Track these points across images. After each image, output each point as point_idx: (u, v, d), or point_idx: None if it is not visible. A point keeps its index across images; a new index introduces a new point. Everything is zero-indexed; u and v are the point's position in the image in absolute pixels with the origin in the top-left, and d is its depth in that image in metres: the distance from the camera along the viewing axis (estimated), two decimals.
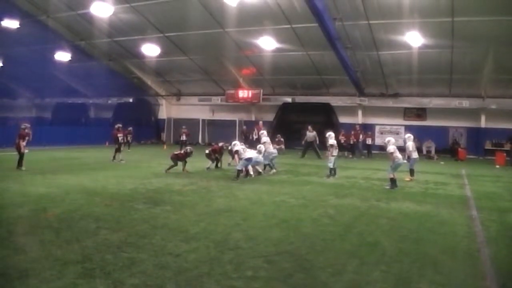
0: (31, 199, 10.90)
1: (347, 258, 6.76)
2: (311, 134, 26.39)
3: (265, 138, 19.06)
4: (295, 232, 8.29)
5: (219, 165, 19.18)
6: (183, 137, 27.83)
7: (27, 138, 17.27)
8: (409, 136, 17.77)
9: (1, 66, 40.12)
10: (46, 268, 6.00)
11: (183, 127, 27.30)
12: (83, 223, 8.53)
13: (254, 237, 7.75)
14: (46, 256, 6.48)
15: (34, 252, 6.67)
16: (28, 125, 17.83)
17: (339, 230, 8.57)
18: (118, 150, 21.36)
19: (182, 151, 18.19)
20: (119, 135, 21.64)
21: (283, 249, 7.10)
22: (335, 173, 16.88)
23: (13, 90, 46.71)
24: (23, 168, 16.69)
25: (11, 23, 27.96)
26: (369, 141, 29.11)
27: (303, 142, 27.07)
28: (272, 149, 18.59)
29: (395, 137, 31.67)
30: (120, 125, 22.41)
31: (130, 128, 28.26)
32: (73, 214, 9.32)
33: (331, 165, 16.77)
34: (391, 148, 15.00)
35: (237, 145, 17.04)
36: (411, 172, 16.97)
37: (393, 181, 14.40)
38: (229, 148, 18.30)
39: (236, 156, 16.91)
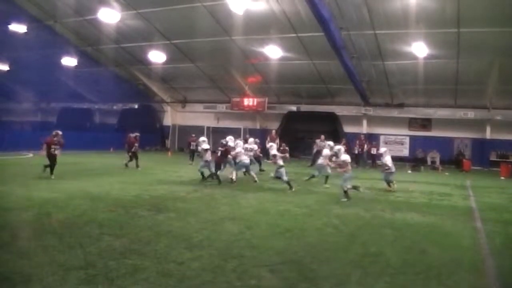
0: (35, 204, 10.91)
1: (351, 268, 6.74)
2: (322, 143, 26.39)
3: (239, 148, 17.93)
4: (299, 241, 8.27)
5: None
6: (193, 145, 26.47)
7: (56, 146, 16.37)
8: (386, 150, 16.88)
9: (8, 70, 40.33)
10: (49, 273, 6.01)
11: (193, 135, 26.88)
12: (86, 229, 8.52)
13: (258, 246, 7.73)
14: (50, 261, 6.49)
15: (38, 257, 6.69)
16: (60, 133, 16.89)
17: (343, 240, 8.55)
18: (136, 157, 21.51)
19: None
20: (136, 144, 21.86)
21: (287, 258, 7.08)
22: (290, 187, 15.28)
23: (19, 94, 46.92)
24: (53, 177, 16.07)
25: (19, 28, 28.13)
26: (373, 151, 29.03)
27: (314, 151, 26.97)
28: (244, 158, 17.51)
29: (400, 148, 32.27)
30: (138, 134, 22.69)
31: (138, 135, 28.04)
32: (77, 220, 9.33)
33: (285, 178, 15.51)
34: (388, 159, 15.01)
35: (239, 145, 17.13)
36: (388, 183, 16.38)
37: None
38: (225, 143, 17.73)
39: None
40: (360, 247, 8.02)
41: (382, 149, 16.17)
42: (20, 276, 5.89)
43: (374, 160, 28.81)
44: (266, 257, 7.09)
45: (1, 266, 6.21)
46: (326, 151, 17.83)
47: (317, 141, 26.47)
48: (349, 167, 14.14)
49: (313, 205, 12.34)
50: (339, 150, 14.93)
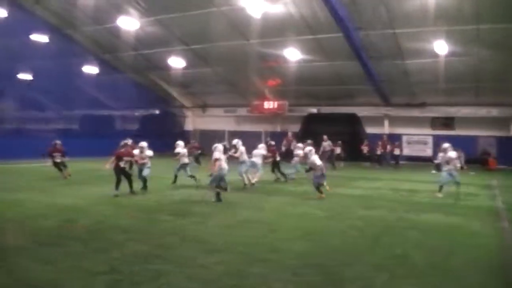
0: (59, 210, 11.05)
1: (376, 271, 6.65)
2: (325, 143, 26.32)
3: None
4: (322, 244, 8.19)
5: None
6: (194, 151, 26.17)
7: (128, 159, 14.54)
8: (311, 149, 14.71)
9: (31, 80, 40.99)
10: (75, 279, 6.07)
11: (192, 141, 26.65)
12: (110, 234, 8.60)
13: (281, 249, 7.68)
14: (75, 267, 6.56)
15: (63, 263, 6.76)
16: (130, 141, 16.43)
17: (367, 242, 8.45)
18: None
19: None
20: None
21: (311, 262, 7.01)
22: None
23: (41, 103, 47.59)
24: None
25: (40, 38, 28.67)
26: (396, 151, 28.78)
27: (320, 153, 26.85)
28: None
29: (423, 148, 31.89)
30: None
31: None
32: (100, 225, 9.41)
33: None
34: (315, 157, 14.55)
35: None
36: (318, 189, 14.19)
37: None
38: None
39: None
40: (385, 250, 7.91)
41: (307, 148, 14.81)
42: (46, 282, 5.96)
43: (397, 161, 28.55)
44: (290, 261, 7.03)
45: (27, 272, 6.29)
46: (298, 152, 18.51)
47: (323, 143, 26.42)
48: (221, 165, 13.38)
49: (335, 208, 12.22)
50: (310, 151, 14.46)
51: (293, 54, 26.20)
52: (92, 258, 7.02)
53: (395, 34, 23.24)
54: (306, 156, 14.72)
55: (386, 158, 28.60)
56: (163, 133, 37.16)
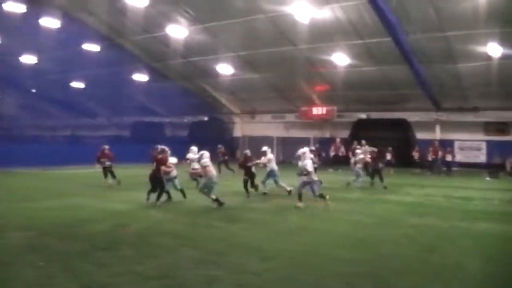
0: (110, 215, 11.35)
1: (430, 281, 6.50)
2: (364, 148, 26.02)
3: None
4: (373, 252, 8.05)
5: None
6: (220, 156, 25.38)
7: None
8: (305, 152, 13.61)
9: (83, 88, 42.38)
10: (127, 283, 6.20)
11: (219, 146, 26.12)
12: (161, 239, 8.75)
13: (331, 257, 7.62)
14: (127, 271, 6.69)
15: (116, 267, 6.91)
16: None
17: (419, 251, 8.25)
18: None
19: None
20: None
21: (362, 270, 6.91)
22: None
23: (93, 110, 49.15)
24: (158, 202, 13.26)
25: (92, 47, 29.66)
26: (448, 157, 28.03)
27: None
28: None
29: (476, 154, 30.95)
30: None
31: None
32: (151, 230, 9.60)
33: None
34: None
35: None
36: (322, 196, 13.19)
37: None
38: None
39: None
40: (438, 259, 7.70)
41: (301, 150, 13.73)
42: (100, 285, 6.10)
43: (449, 167, 27.83)
44: (341, 269, 6.96)
45: (82, 275, 6.47)
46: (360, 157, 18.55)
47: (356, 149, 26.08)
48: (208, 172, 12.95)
49: (385, 215, 12.01)
50: (303, 153, 13.39)
51: (341, 59, 26.04)
52: (144, 262, 7.16)
53: (446, 37, 22.72)
54: (300, 157, 13.42)
55: (438, 165, 27.90)
56: (212, 139, 37.58)
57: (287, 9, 21.96)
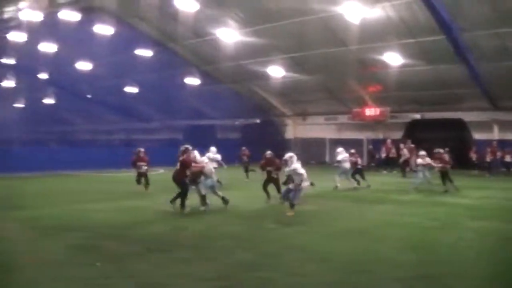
0: (164, 217, 11.61)
1: (491, 285, 6.28)
2: (407, 146, 25.54)
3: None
4: (430, 255, 7.87)
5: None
6: (244, 158, 24.71)
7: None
8: (292, 156, 12.79)
9: (137, 92, 43.43)
10: (184, 284, 6.30)
11: (243, 148, 25.58)
12: (218, 241, 8.87)
13: (387, 260, 7.50)
14: (183, 272, 6.79)
15: (174, 268, 7.03)
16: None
17: (479, 254, 8.00)
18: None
19: None
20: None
21: (419, 273, 6.77)
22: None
23: (147, 114, 50.26)
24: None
25: (144, 52, 30.40)
26: (508, 158, 27.04)
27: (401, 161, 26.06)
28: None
29: None
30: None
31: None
32: (207, 232, 9.74)
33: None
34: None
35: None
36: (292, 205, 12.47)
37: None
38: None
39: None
40: (500, 263, 7.46)
41: (288, 155, 12.97)
42: (156, 286, 6.24)
43: (509, 168, 26.87)
44: (397, 272, 6.83)
45: (140, 276, 6.62)
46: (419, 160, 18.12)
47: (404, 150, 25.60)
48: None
49: (443, 218, 11.70)
50: (290, 157, 12.49)
51: (394, 59, 25.58)
52: (200, 264, 7.26)
53: (502, 33, 21.95)
54: (286, 162, 12.49)
55: (496, 165, 26.97)
56: (264, 141, 37.67)
57: (338, 9, 21.80)
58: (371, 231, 9.98)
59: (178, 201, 12.41)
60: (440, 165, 17.65)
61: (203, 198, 12.71)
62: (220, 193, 13.17)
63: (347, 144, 22.57)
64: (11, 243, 8.63)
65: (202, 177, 12.86)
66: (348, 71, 29.97)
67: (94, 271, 6.77)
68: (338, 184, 18.25)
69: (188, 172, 12.45)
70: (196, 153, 14.45)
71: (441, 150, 18.65)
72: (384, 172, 24.81)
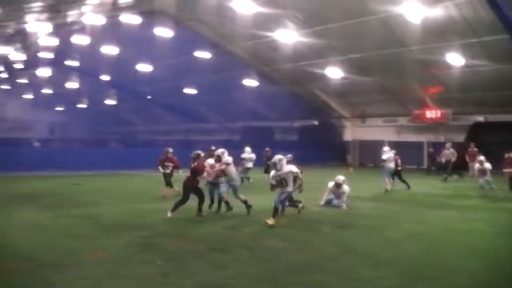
0: (220, 217, 11.74)
1: None
2: (448, 151, 24.63)
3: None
4: (492, 263, 7.70)
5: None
6: (265, 159, 23.50)
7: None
8: (281, 158, 11.28)
9: (196, 94, 44.27)
10: (240, 285, 6.41)
11: (266, 149, 24.38)
12: (272, 243, 8.93)
13: (447, 266, 7.38)
14: (241, 273, 6.90)
15: (230, 268, 7.16)
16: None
17: None
18: None
19: None
20: None
21: (481, 281, 6.66)
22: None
23: (205, 115, 51.09)
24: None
25: (203, 54, 31.04)
26: None
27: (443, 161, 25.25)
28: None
29: None
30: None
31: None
32: (262, 233, 9.80)
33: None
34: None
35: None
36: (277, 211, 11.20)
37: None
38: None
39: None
40: None
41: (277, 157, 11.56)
42: (215, 285, 6.39)
43: None
44: (458, 279, 6.73)
45: (197, 275, 6.78)
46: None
47: (445, 151, 24.78)
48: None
49: (506, 224, 11.37)
50: (279, 160, 11.24)
51: (456, 59, 24.93)
52: (256, 265, 7.36)
53: None
54: (275, 166, 11.25)
55: None
56: (322, 143, 37.56)
57: (398, 9, 21.52)
58: (430, 236, 9.81)
59: (206, 208, 12.07)
60: (509, 170, 17.15)
61: (226, 203, 12.35)
62: (243, 197, 12.37)
63: (407, 146, 22.20)
64: (72, 240, 8.91)
65: (223, 178, 12.27)
66: (408, 72, 29.44)
67: (153, 269, 6.97)
68: (388, 187, 17.94)
69: (198, 179, 11.82)
70: (247, 149, 18.08)
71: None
72: (444, 175, 24.12)
